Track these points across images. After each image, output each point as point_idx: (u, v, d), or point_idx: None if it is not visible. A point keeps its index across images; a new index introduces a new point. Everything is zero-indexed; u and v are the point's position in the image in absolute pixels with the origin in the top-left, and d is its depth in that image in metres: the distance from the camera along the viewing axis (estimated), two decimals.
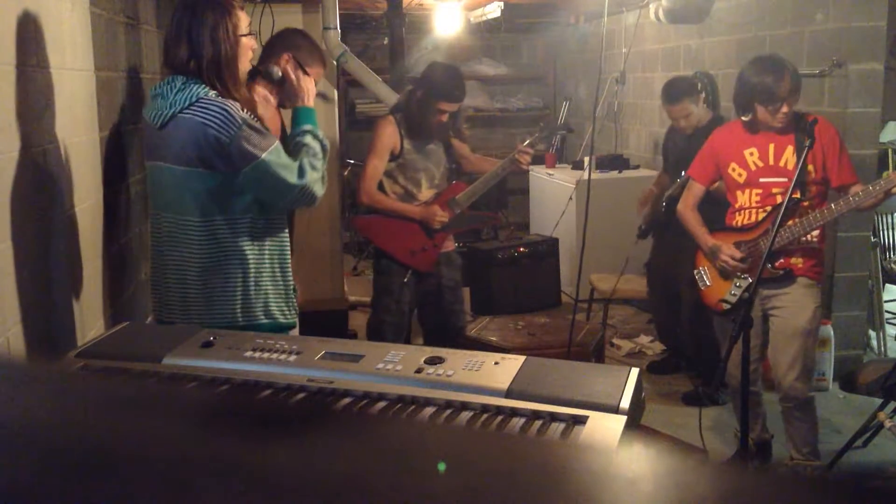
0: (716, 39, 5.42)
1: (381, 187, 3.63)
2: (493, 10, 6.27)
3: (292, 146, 2.33)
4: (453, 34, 6.80)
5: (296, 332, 2.49)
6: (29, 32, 2.06)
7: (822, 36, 4.34)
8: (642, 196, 4.53)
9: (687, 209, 3.41)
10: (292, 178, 2.22)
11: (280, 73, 2.50)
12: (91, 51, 2.60)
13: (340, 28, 4.54)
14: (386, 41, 5.80)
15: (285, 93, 2.51)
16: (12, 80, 1.94)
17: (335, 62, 4.53)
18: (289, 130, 2.52)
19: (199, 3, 2.21)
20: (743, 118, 3.18)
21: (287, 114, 2.67)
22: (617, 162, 6.34)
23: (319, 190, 2.31)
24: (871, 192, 2.91)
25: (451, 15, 6.39)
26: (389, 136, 3.57)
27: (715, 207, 3.45)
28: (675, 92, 4.21)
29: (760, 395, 3.45)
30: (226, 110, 2.12)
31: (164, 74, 2.31)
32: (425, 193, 3.66)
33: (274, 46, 2.86)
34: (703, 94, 4.22)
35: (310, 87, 2.48)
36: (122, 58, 2.98)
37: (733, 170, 3.22)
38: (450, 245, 3.78)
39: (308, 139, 2.34)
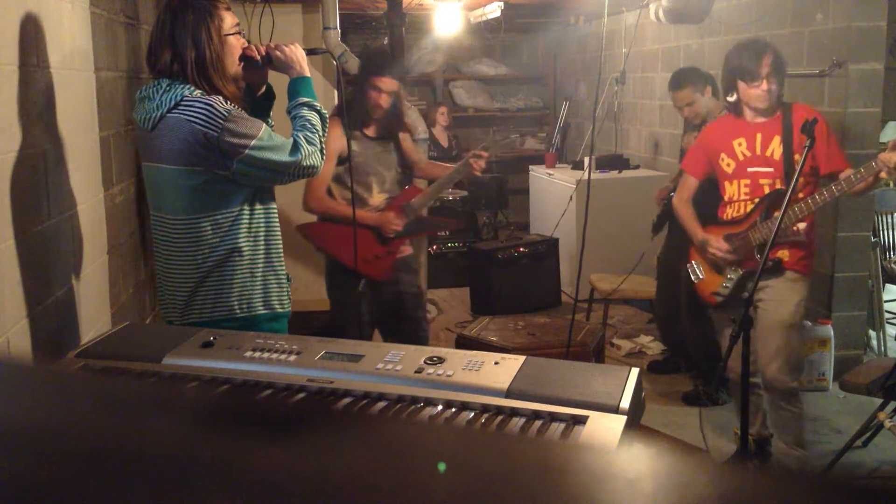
0: (716, 39, 5.42)
1: (329, 193, 3.43)
2: (493, 10, 6.27)
3: (291, 120, 2.33)
4: (453, 34, 6.80)
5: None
6: (29, 32, 2.06)
7: (822, 36, 4.34)
8: (658, 193, 4.55)
9: (680, 203, 3.43)
10: (284, 156, 2.21)
11: (263, 54, 2.38)
12: (91, 51, 2.60)
13: (340, 28, 4.54)
14: (386, 41, 5.79)
15: (278, 69, 2.43)
16: (13, 80, 1.94)
17: (335, 62, 4.53)
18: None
19: (180, 7, 2.21)
20: (728, 99, 3.21)
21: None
22: (617, 162, 6.35)
23: (316, 161, 2.30)
24: (861, 174, 2.89)
25: (451, 15, 6.40)
26: (336, 137, 3.30)
27: (710, 200, 3.47)
28: (680, 79, 4.27)
29: (761, 387, 3.46)
30: (210, 105, 2.13)
31: (150, 78, 2.30)
32: (376, 198, 3.47)
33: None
34: (711, 88, 4.24)
35: (299, 54, 2.41)
36: (122, 58, 2.98)
37: (722, 160, 3.25)
38: (406, 250, 3.59)
39: (304, 111, 2.33)
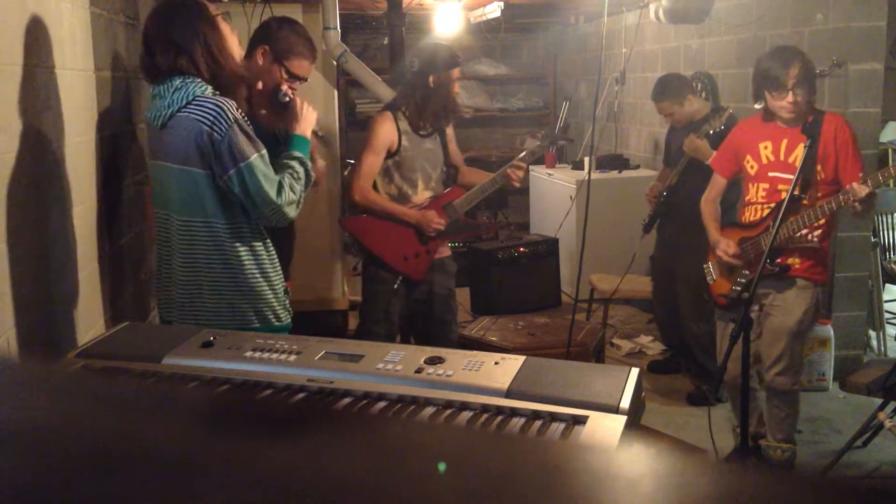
0: (716, 39, 5.42)
1: (373, 187, 3.44)
2: (493, 10, 6.27)
3: (278, 165, 2.32)
4: (453, 34, 6.80)
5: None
6: (29, 32, 2.06)
7: (822, 36, 4.34)
8: (648, 192, 4.57)
9: (706, 202, 3.46)
10: (272, 192, 2.21)
11: (287, 98, 2.53)
12: (91, 51, 2.60)
13: (340, 28, 4.54)
14: (386, 41, 5.80)
15: (287, 116, 2.52)
16: (13, 79, 1.94)
17: (335, 62, 4.53)
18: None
19: (170, 8, 2.24)
20: (756, 106, 3.23)
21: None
22: (617, 162, 6.35)
23: (292, 213, 2.30)
24: (865, 186, 2.90)
25: (451, 15, 6.39)
26: (388, 131, 3.36)
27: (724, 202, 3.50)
28: (659, 91, 4.40)
29: (757, 391, 3.47)
30: (220, 107, 2.14)
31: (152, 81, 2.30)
32: (421, 195, 3.47)
33: (254, 39, 2.84)
34: (699, 89, 4.30)
35: (311, 119, 2.49)
36: (122, 58, 2.98)
37: (748, 162, 3.27)
38: (445, 251, 3.58)
39: (296, 164, 2.35)
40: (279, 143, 2.57)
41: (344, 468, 0.40)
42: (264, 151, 2.23)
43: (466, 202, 3.52)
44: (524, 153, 3.60)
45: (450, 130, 3.59)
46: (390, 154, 3.40)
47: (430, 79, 3.38)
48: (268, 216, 2.26)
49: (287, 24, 2.85)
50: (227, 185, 2.19)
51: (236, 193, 2.20)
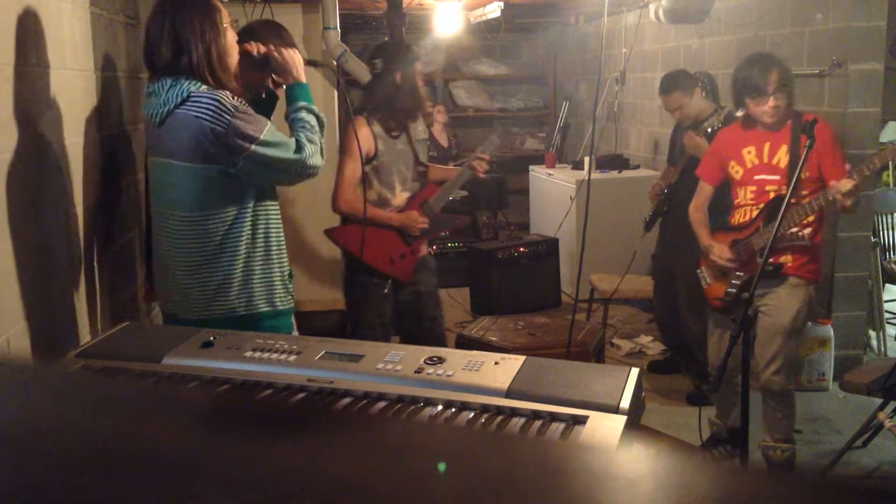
0: (716, 39, 5.42)
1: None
2: (493, 10, 6.27)
3: (289, 124, 2.34)
4: (453, 34, 6.80)
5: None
6: (29, 32, 2.06)
7: (822, 36, 4.34)
8: (651, 190, 4.57)
9: (694, 210, 3.50)
10: (289, 154, 2.23)
11: (260, 53, 2.41)
12: (91, 51, 2.60)
13: (340, 28, 4.54)
14: (386, 41, 5.80)
15: (274, 72, 2.46)
16: (12, 79, 1.94)
17: (335, 62, 4.54)
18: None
19: (180, 2, 2.22)
20: (738, 114, 3.27)
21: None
22: (617, 162, 6.35)
23: (318, 161, 2.32)
24: (850, 180, 2.94)
25: (451, 15, 6.39)
26: (365, 137, 3.29)
27: (718, 207, 3.50)
28: (667, 84, 4.35)
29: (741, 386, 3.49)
30: (217, 100, 2.14)
31: (151, 77, 2.30)
32: (399, 198, 3.45)
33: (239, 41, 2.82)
34: (701, 88, 4.30)
35: (297, 59, 2.43)
36: (122, 58, 2.98)
37: (732, 167, 3.30)
38: (424, 249, 3.60)
39: (303, 114, 2.35)
40: (269, 100, 2.55)
41: (344, 468, 0.40)
42: (269, 124, 2.24)
43: (440, 198, 3.55)
44: (486, 144, 3.67)
45: (412, 128, 3.58)
46: (368, 160, 3.34)
47: (398, 76, 3.37)
48: (298, 174, 2.28)
49: (274, 31, 2.84)
50: (242, 170, 2.19)
51: (256, 174, 2.21)
